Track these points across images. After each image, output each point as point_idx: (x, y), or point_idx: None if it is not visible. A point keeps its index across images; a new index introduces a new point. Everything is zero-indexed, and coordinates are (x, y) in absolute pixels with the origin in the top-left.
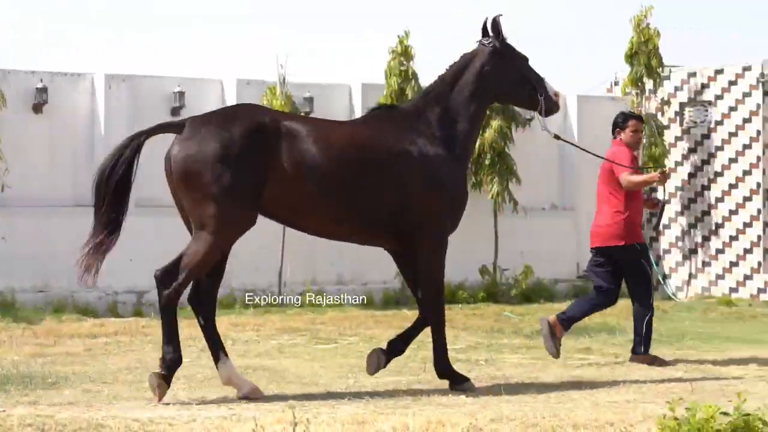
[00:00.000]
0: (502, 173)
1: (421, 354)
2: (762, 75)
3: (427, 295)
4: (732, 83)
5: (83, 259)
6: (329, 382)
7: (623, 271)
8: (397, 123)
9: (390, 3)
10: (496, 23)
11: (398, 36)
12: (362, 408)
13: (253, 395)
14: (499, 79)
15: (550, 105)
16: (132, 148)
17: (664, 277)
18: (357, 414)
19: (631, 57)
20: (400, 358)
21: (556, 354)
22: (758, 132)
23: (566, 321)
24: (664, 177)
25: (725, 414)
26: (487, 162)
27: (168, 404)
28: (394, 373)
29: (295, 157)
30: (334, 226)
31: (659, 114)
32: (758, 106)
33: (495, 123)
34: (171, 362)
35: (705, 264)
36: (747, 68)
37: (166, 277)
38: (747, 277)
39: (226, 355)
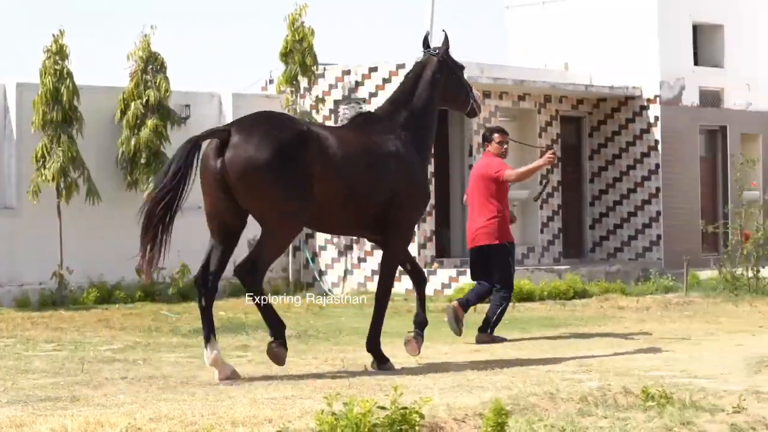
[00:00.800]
0: (158, 172)
1: (78, 354)
2: None
3: (382, 277)
4: (386, 81)
5: (147, 254)
6: None
7: (492, 263)
8: (378, 128)
9: (44, 3)
10: (446, 38)
11: (53, 35)
12: (20, 410)
13: (233, 377)
14: (446, 85)
15: (476, 108)
16: (192, 153)
17: (320, 273)
18: (15, 417)
19: (285, 55)
20: (57, 360)
21: (460, 333)
22: None
23: (465, 304)
24: (554, 157)
25: (382, 408)
26: (142, 161)
27: None
28: (51, 375)
29: (327, 159)
30: (353, 220)
31: (314, 112)
32: None
33: (150, 122)
34: (280, 330)
35: (360, 260)
36: (401, 66)
37: (244, 270)
38: (402, 273)
39: (215, 338)
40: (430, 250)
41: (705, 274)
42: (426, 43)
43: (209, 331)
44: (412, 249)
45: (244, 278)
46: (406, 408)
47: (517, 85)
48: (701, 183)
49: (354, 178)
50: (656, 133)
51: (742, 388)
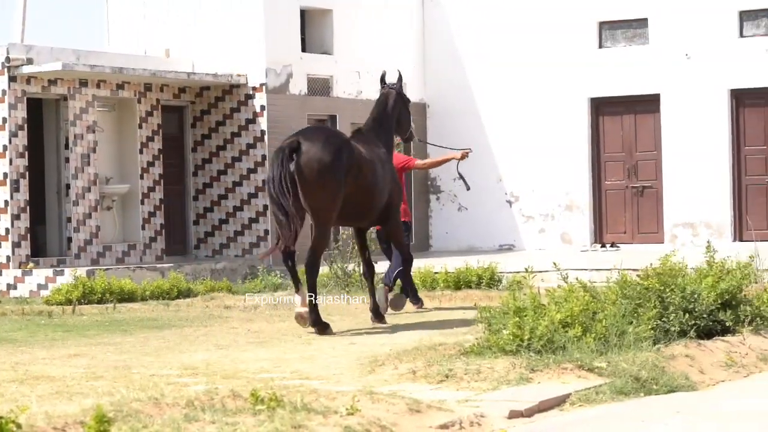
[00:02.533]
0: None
1: None
2: (7, 59)
3: (400, 251)
4: None
5: (281, 245)
6: None
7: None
8: (371, 140)
9: None
10: (400, 77)
11: None
12: None
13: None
14: (401, 113)
15: (413, 133)
16: (285, 158)
17: None
18: None
19: None
20: None
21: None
22: (7, 119)
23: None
24: (467, 153)
25: None
26: None
27: None
28: None
29: (362, 163)
30: (368, 212)
31: None
32: (4, 92)
33: None
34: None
35: None
36: None
37: (310, 256)
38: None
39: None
40: (25, 249)
41: None
42: (383, 79)
43: (297, 282)
44: (6, 249)
45: (309, 261)
46: (2, 417)
47: (115, 73)
48: None
49: (376, 178)
50: (263, 123)
51: (355, 389)
